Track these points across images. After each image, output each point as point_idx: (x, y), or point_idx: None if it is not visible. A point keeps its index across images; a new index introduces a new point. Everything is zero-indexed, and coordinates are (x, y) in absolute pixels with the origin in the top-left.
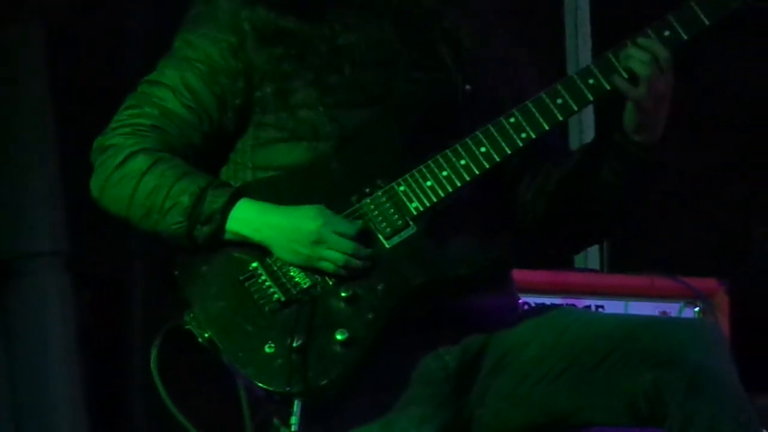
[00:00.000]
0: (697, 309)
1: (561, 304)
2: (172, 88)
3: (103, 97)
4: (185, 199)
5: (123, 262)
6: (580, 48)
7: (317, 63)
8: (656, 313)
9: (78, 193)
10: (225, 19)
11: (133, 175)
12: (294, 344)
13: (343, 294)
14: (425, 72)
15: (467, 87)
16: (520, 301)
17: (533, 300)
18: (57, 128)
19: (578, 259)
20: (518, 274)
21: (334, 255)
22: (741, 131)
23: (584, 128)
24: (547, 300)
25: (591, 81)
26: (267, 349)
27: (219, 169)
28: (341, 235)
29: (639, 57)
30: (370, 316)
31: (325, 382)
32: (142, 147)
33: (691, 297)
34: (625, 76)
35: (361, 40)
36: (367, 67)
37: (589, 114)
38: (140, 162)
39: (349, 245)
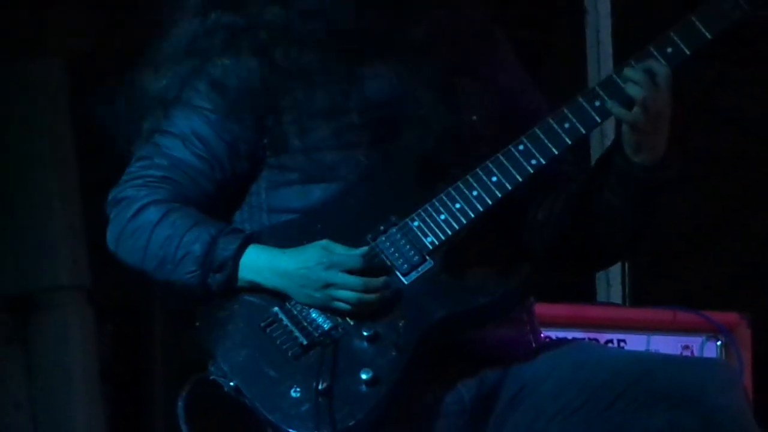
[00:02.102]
0: (719, 343)
1: (583, 338)
2: (182, 138)
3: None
4: (197, 248)
5: (144, 296)
6: (602, 63)
7: (331, 104)
8: (678, 347)
9: (99, 227)
10: (235, 64)
11: (145, 227)
12: (319, 387)
13: (364, 333)
14: (435, 109)
15: (474, 118)
16: (541, 335)
17: (555, 334)
18: (78, 163)
19: (600, 293)
20: (540, 308)
21: (346, 294)
22: (762, 164)
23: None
24: (569, 334)
25: (597, 103)
26: (293, 394)
27: (234, 214)
28: (349, 272)
29: (633, 78)
30: (393, 353)
31: (352, 423)
32: (154, 198)
33: (713, 331)
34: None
35: (374, 80)
36: (379, 107)
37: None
38: (152, 213)
39: (358, 282)
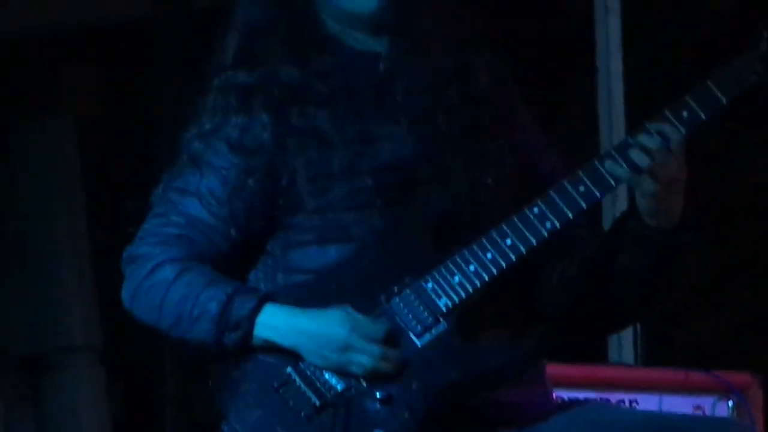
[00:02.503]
0: (731, 403)
1: (595, 399)
2: (199, 196)
3: (135, 190)
4: (213, 307)
5: (155, 354)
6: (614, 122)
7: (345, 165)
8: (690, 407)
9: (110, 287)
10: (250, 123)
11: (161, 285)
12: None
13: (377, 395)
14: (451, 170)
15: (489, 180)
16: (554, 395)
17: (567, 394)
18: (89, 222)
19: (612, 353)
20: (552, 368)
21: (363, 360)
22: None
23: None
24: (581, 394)
25: (612, 167)
26: None
27: (249, 274)
28: (369, 339)
29: (647, 145)
30: (406, 415)
31: None
32: (170, 256)
33: (725, 391)
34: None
35: (389, 142)
36: (393, 168)
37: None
38: (167, 272)
39: (377, 350)
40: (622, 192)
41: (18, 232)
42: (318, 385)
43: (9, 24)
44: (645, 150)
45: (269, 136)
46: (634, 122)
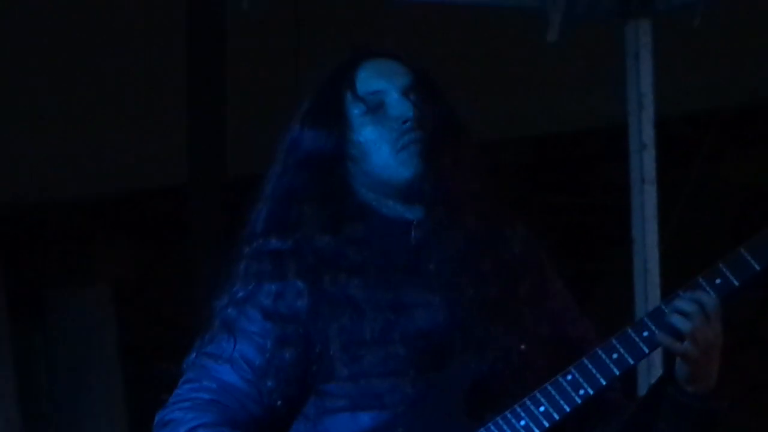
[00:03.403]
0: None
1: None
2: (231, 362)
3: (170, 358)
4: None
5: None
6: (649, 292)
7: (378, 334)
8: None
9: None
10: (283, 289)
11: None
12: None
13: None
14: (485, 338)
15: (522, 347)
16: None
17: None
18: (125, 385)
19: None
20: None
21: None
22: None
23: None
24: None
25: (645, 333)
26: None
27: None
28: None
29: (682, 310)
30: None
31: None
32: (202, 422)
33: None
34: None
35: (422, 310)
36: (426, 336)
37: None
38: None
39: None
40: (656, 357)
41: (54, 402)
42: None
43: (42, 192)
44: (683, 314)
45: (305, 303)
46: (669, 293)
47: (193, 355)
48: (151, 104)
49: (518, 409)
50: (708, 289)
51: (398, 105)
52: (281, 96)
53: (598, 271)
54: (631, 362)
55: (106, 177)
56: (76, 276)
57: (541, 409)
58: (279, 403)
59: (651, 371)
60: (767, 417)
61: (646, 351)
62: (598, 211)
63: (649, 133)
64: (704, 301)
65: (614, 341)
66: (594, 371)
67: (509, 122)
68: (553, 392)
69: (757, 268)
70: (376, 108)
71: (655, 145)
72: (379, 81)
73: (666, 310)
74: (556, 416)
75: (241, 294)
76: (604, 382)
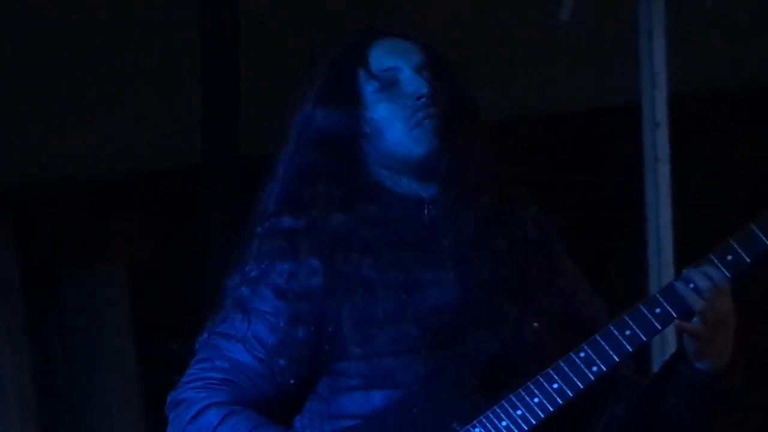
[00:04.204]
0: None
1: None
2: (243, 341)
3: (183, 337)
4: None
5: None
6: (662, 270)
7: (390, 313)
8: None
9: (161, 430)
10: (297, 268)
11: (205, 430)
12: None
13: None
14: (497, 316)
15: (535, 324)
16: None
17: None
18: (138, 366)
19: None
20: None
21: None
22: None
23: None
24: None
25: (658, 310)
26: None
27: (294, 419)
28: None
29: (692, 287)
30: None
31: None
32: (214, 401)
33: None
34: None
35: (434, 289)
36: (438, 315)
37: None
38: (212, 416)
39: None
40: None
41: (68, 380)
42: None
43: (58, 171)
44: (692, 291)
45: (319, 282)
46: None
47: (206, 334)
48: (165, 84)
49: (532, 386)
50: (719, 265)
51: (412, 82)
52: (294, 76)
53: (611, 250)
54: (644, 339)
55: (120, 156)
56: (90, 255)
57: (555, 386)
58: (292, 381)
59: (665, 348)
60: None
61: (659, 328)
62: (611, 189)
63: (662, 112)
64: (714, 278)
65: (627, 318)
66: (607, 348)
67: (522, 101)
68: (567, 369)
69: None
70: (389, 85)
71: (669, 124)
72: (393, 58)
73: (677, 287)
74: (570, 393)
75: (253, 273)
76: (617, 359)
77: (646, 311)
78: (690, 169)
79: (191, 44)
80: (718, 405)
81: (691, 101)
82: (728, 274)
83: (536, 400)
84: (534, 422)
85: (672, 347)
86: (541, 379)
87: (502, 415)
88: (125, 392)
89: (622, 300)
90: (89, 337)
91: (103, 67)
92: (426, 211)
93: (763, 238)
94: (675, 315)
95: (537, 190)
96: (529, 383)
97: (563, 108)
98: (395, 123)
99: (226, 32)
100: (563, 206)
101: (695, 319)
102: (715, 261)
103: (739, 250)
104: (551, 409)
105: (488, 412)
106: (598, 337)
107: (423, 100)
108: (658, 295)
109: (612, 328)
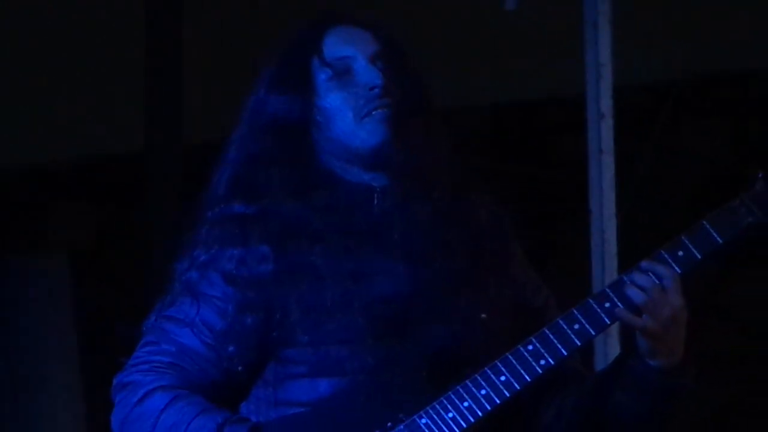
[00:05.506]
0: None
1: None
2: (191, 325)
3: (126, 324)
4: None
5: None
6: (606, 263)
7: (337, 301)
8: None
9: (103, 421)
10: (246, 254)
11: (151, 413)
12: None
13: None
14: (446, 306)
15: (483, 315)
16: None
17: None
18: (80, 353)
19: None
20: None
21: None
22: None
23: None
24: None
25: (607, 305)
26: None
27: (240, 405)
28: None
29: (640, 284)
30: None
31: None
32: (161, 384)
33: None
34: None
35: (383, 278)
36: (386, 304)
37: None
38: (158, 399)
39: None
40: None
41: (9, 368)
42: None
43: None
44: (640, 288)
45: (268, 268)
46: (627, 265)
47: (153, 317)
48: (106, 70)
49: (479, 378)
50: (670, 261)
51: (366, 72)
52: (238, 62)
53: (555, 242)
54: (593, 333)
55: (61, 143)
56: (31, 243)
57: (502, 378)
58: (240, 368)
59: (608, 341)
60: (728, 388)
61: (608, 322)
62: (555, 181)
63: (607, 103)
64: (662, 274)
65: (576, 312)
66: (555, 341)
67: (466, 91)
68: (515, 362)
69: (720, 241)
70: (342, 74)
71: (613, 115)
72: (347, 47)
73: (627, 282)
74: (517, 386)
75: (203, 258)
76: (565, 353)
77: (595, 305)
78: (635, 161)
79: (134, 30)
80: (671, 401)
81: (636, 92)
82: (679, 270)
83: (483, 392)
84: (480, 414)
85: (615, 340)
86: (488, 371)
87: (449, 406)
88: (68, 378)
89: (566, 292)
90: (31, 325)
91: (41, 53)
92: (375, 201)
93: (714, 235)
94: (624, 310)
95: (483, 180)
96: (476, 375)
97: (507, 98)
98: (346, 113)
99: (169, 17)
100: (507, 197)
101: (644, 316)
102: (666, 257)
103: (690, 247)
104: (498, 401)
105: (435, 403)
106: (547, 331)
107: (376, 90)
108: (607, 290)
109: (561, 321)
